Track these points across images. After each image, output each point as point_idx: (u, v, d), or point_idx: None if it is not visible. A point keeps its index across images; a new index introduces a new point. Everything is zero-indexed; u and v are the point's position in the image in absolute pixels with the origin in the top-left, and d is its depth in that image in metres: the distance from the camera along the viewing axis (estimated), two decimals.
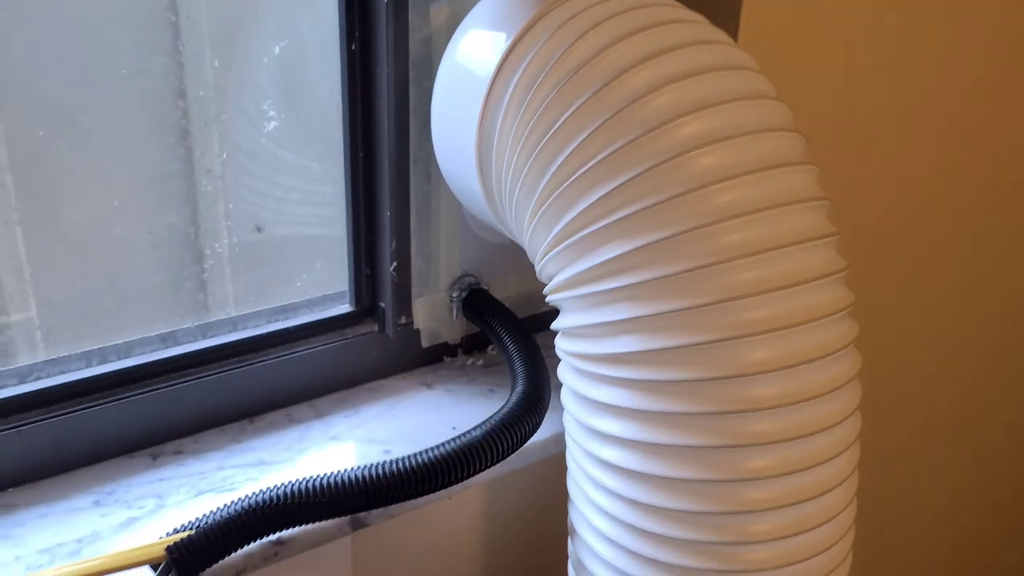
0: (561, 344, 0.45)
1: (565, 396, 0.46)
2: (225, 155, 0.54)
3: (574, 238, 0.41)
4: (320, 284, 0.59)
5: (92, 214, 0.50)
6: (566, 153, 0.40)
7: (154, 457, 0.51)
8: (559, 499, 0.52)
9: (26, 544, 0.44)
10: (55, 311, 0.50)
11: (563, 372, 0.45)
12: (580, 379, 0.43)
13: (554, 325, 0.45)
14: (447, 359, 0.61)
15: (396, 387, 0.58)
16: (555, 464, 0.53)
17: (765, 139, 0.41)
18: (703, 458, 0.40)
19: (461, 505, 0.54)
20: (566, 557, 0.50)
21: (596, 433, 0.43)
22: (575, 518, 0.47)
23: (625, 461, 0.42)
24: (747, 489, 0.40)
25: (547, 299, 0.45)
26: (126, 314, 0.53)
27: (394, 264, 0.55)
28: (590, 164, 0.40)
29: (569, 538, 0.49)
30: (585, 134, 0.40)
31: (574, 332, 0.43)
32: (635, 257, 0.40)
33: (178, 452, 0.51)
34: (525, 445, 0.51)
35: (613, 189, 0.40)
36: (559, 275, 0.43)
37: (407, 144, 0.53)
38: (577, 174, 0.40)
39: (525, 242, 0.45)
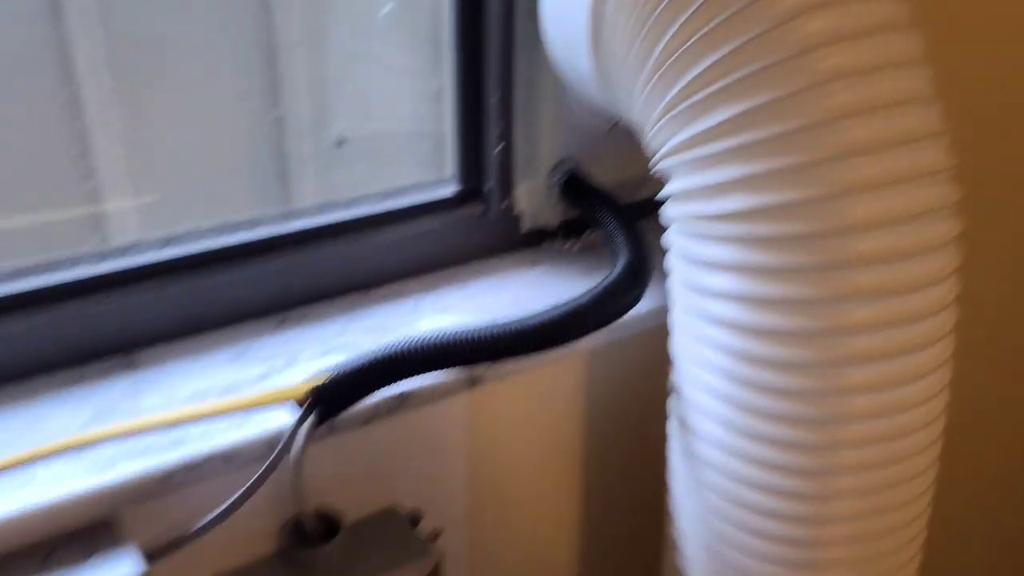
0: (670, 210, 0.47)
1: (674, 260, 0.48)
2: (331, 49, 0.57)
3: (688, 102, 0.43)
4: (425, 175, 0.62)
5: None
6: (683, 18, 0.42)
7: (280, 322, 0.55)
8: (656, 370, 0.55)
9: (176, 390, 0.48)
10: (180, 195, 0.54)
11: (672, 236, 0.48)
12: (690, 240, 0.46)
13: (664, 192, 0.47)
14: (546, 243, 0.64)
15: (499, 266, 0.61)
16: (653, 336, 0.56)
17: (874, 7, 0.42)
18: (808, 309, 0.43)
19: (565, 372, 0.57)
20: (660, 425, 0.53)
21: (706, 291, 0.45)
22: (681, 378, 0.50)
23: (734, 315, 0.44)
24: (848, 339, 0.43)
25: (657, 167, 0.47)
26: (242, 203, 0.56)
27: (499, 147, 0.58)
28: (706, 28, 0.42)
29: (671, 401, 0.52)
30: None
31: (685, 195, 0.45)
32: (747, 117, 0.42)
33: (302, 317, 0.55)
34: (626, 316, 0.54)
35: (728, 52, 0.41)
36: (671, 141, 0.45)
37: (512, 30, 0.55)
38: (693, 39, 0.42)
39: (634, 113, 0.48)
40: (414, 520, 0.52)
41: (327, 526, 0.49)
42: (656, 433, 0.56)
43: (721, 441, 0.47)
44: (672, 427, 0.52)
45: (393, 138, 0.63)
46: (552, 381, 0.57)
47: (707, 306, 0.46)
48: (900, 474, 0.48)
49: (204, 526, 0.43)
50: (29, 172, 0.50)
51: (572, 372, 0.58)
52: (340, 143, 0.99)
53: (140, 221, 0.54)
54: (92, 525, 0.43)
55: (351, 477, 0.51)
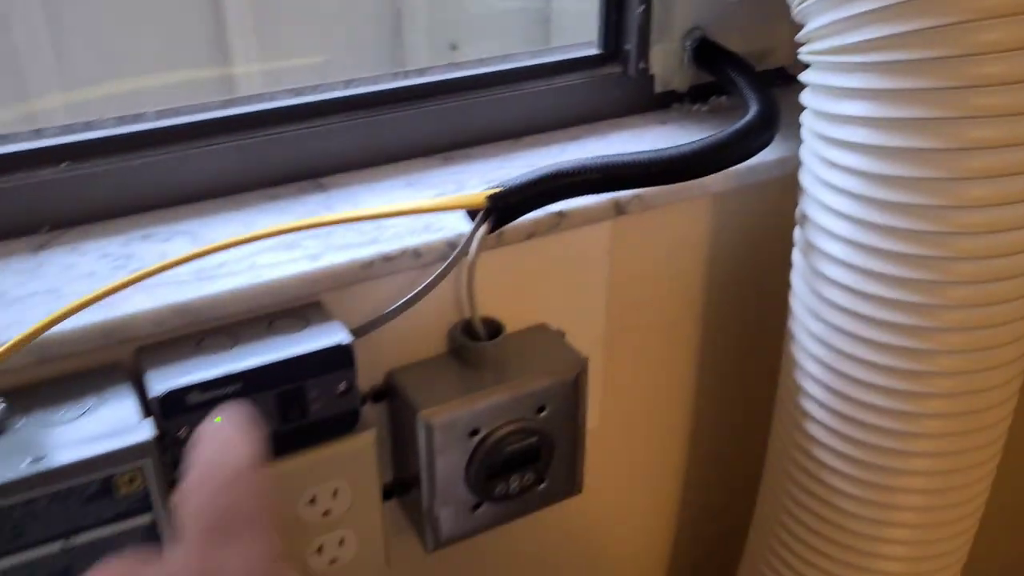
0: (808, 47, 0.52)
1: (807, 95, 0.53)
2: None
3: None
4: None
5: None
6: None
7: (445, 159, 0.62)
8: (776, 220, 0.61)
9: (362, 206, 0.56)
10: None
11: (808, 74, 0.53)
12: (824, 72, 0.51)
13: (802, 32, 0.52)
14: (675, 105, 0.69)
15: (634, 123, 0.67)
16: (777, 187, 0.62)
17: None
18: (934, 129, 0.47)
19: (696, 211, 0.63)
20: (777, 271, 0.59)
21: (837, 118, 0.51)
22: (808, 205, 0.55)
23: (863, 138, 0.49)
24: (969, 158, 0.48)
25: (798, 8, 0.52)
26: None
27: (640, 9, 0.63)
28: None
29: (796, 231, 0.57)
30: None
31: (823, 30, 0.50)
32: None
33: (464, 156, 0.62)
34: (755, 163, 0.59)
35: None
36: None
37: None
38: None
39: None
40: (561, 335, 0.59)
41: (491, 330, 0.56)
42: (772, 278, 0.61)
43: (844, 259, 0.53)
44: (796, 254, 0.58)
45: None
46: (685, 219, 0.63)
47: (837, 132, 0.51)
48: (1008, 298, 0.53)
49: (398, 307, 0.51)
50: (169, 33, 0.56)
51: (703, 212, 0.63)
52: (453, 47, 1.05)
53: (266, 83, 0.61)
54: (305, 304, 0.50)
55: (510, 291, 0.57)
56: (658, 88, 0.68)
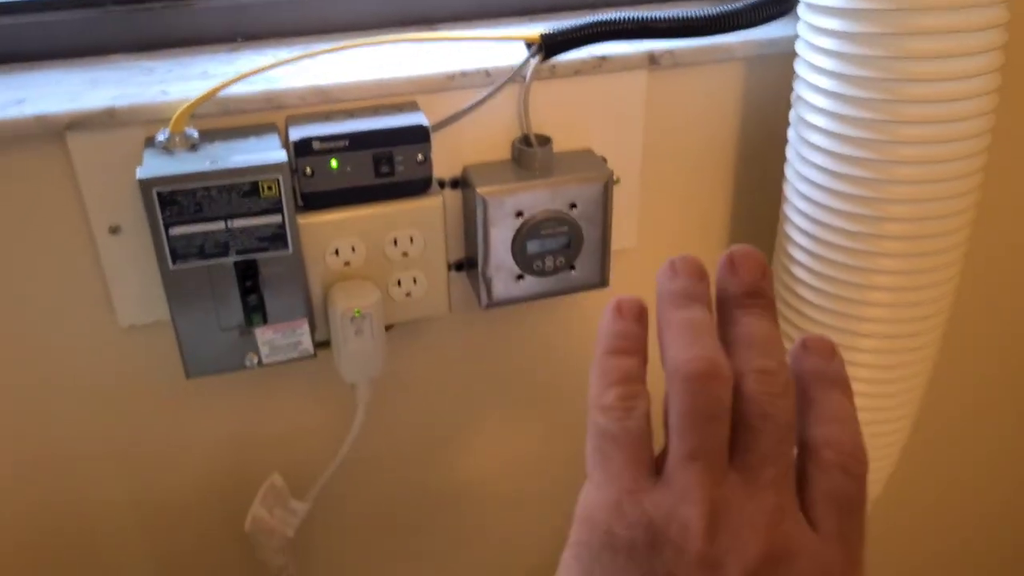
0: None
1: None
2: None
3: None
4: None
5: None
6: None
7: (531, 18, 0.80)
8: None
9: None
10: None
11: None
12: None
13: None
14: None
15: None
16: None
17: None
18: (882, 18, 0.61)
19: (727, 74, 0.78)
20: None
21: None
22: (798, 83, 0.69)
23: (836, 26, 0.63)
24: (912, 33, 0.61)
25: None
26: None
27: None
28: None
29: (790, 129, 0.71)
30: None
31: None
32: None
33: (550, 16, 0.80)
34: (778, 35, 0.73)
35: None
36: None
37: None
38: None
39: None
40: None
41: (542, 142, 0.74)
42: (773, 158, 0.75)
43: (823, 127, 0.67)
44: (791, 130, 0.72)
45: None
46: (715, 80, 0.78)
47: (819, 21, 0.65)
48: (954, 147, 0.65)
49: (469, 108, 0.70)
50: None
51: (732, 77, 0.78)
52: None
53: None
54: (404, 102, 0.70)
55: (562, 117, 0.75)
56: None
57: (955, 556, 1.27)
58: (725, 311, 0.33)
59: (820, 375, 0.32)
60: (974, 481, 1.20)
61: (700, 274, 0.33)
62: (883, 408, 0.78)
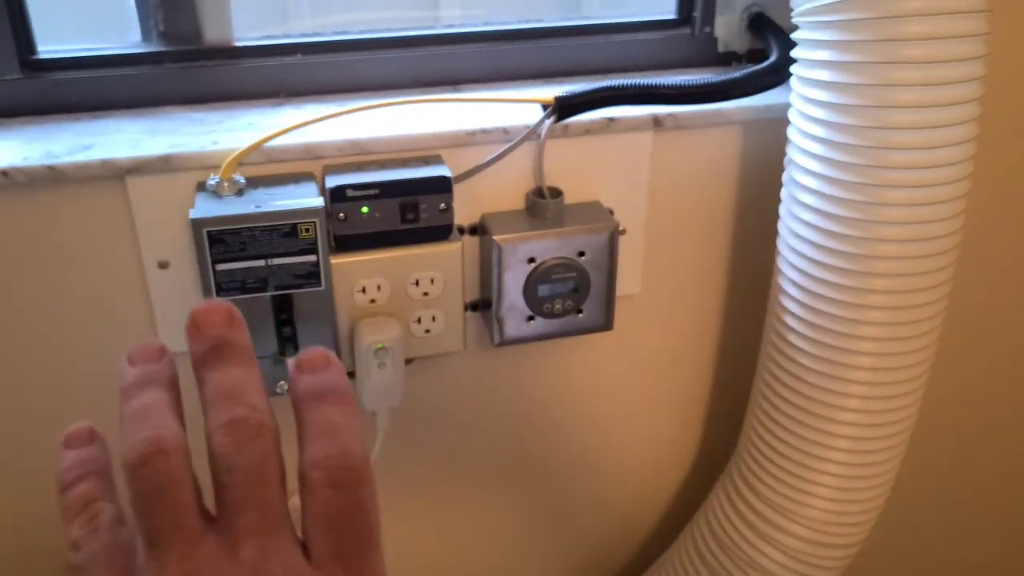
0: (795, 15, 0.73)
1: (796, 51, 0.74)
2: None
3: None
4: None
5: None
6: None
7: (547, 82, 0.87)
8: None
9: (480, 103, 0.82)
10: None
11: (797, 34, 0.74)
12: (804, 30, 0.72)
13: (792, 3, 0.73)
14: (734, 63, 0.91)
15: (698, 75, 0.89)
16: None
17: None
18: (862, 70, 0.67)
19: (727, 137, 0.85)
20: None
21: (807, 63, 0.72)
22: (790, 146, 0.76)
23: (823, 76, 0.70)
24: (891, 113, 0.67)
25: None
26: None
27: None
28: None
29: (783, 190, 0.78)
30: None
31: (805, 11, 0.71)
32: None
33: (560, 82, 0.87)
34: (773, 102, 0.80)
35: None
36: None
37: None
38: None
39: None
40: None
41: (554, 195, 0.81)
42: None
43: (813, 187, 0.74)
44: (783, 190, 0.78)
45: None
46: (715, 143, 0.85)
47: (810, 73, 0.72)
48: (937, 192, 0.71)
49: (487, 162, 0.77)
50: None
51: (731, 140, 0.85)
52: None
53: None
54: (429, 155, 0.77)
55: (572, 172, 0.82)
56: (720, 48, 0.90)
57: None
58: (197, 376, 0.31)
59: (310, 392, 0.32)
60: (960, 523, 1.24)
61: (156, 356, 0.32)
62: (871, 451, 0.83)
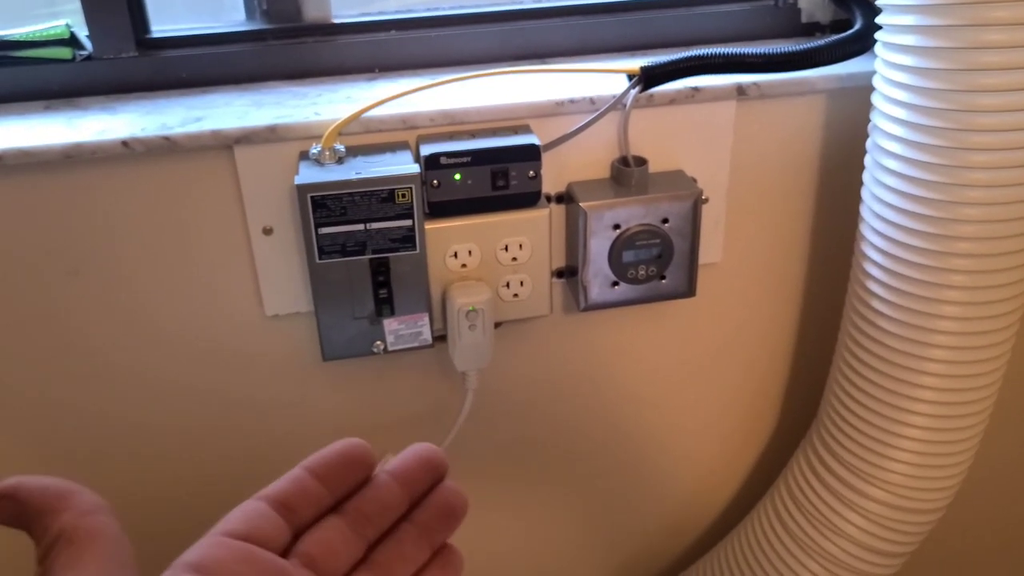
0: None
1: (881, 33, 0.75)
2: None
3: None
4: None
5: None
6: None
7: (632, 55, 0.89)
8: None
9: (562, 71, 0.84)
10: None
11: (881, 18, 0.74)
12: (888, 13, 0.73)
13: None
14: (818, 34, 0.92)
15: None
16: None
17: None
18: (945, 56, 0.68)
19: (811, 106, 0.86)
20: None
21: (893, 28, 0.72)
22: (874, 112, 0.77)
23: (910, 41, 0.71)
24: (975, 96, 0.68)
25: None
26: None
27: None
28: None
29: (867, 156, 0.79)
30: None
31: None
32: None
33: (644, 54, 0.89)
34: (858, 70, 0.81)
35: None
36: None
37: None
38: None
39: None
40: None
41: (639, 163, 0.83)
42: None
43: (897, 152, 0.74)
44: (867, 156, 0.79)
45: None
46: (799, 112, 0.86)
47: (894, 57, 0.72)
48: None
49: (574, 131, 0.79)
50: None
51: (815, 109, 0.86)
52: None
53: None
54: (518, 124, 0.80)
55: (657, 142, 0.84)
56: (804, 19, 0.90)
57: None
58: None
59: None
60: None
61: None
62: (952, 416, 0.83)
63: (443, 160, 0.76)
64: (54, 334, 0.81)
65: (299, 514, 0.34)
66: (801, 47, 0.78)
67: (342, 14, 0.86)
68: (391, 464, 0.36)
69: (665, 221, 0.82)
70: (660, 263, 0.83)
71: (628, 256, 0.82)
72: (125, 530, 0.31)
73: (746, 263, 0.93)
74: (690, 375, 0.99)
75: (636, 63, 0.79)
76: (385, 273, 0.77)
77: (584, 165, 0.83)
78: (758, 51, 0.78)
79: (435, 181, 0.76)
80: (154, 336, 0.83)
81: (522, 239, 0.81)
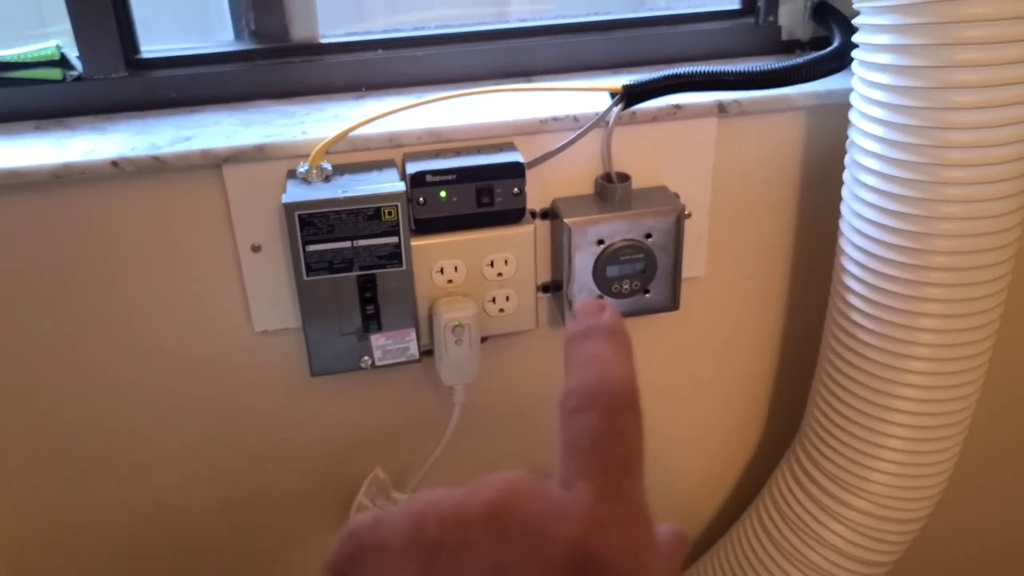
0: (856, 2, 0.75)
1: (858, 36, 0.77)
2: None
3: None
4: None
5: None
6: None
7: (616, 72, 0.90)
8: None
9: (547, 89, 0.86)
10: None
11: (858, 20, 0.76)
12: (865, 16, 0.74)
13: None
14: (797, 51, 0.93)
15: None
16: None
17: None
18: (921, 52, 0.70)
19: (790, 123, 0.87)
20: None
21: (868, 48, 0.74)
22: (851, 128, 0.78)
23: (886, 60, 0.72)
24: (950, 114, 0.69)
25: None
26: None
27: None
28: None
29: (845, 172, 0.80)
30: None
31: None
32: None
33: (629, 71, 0.90)
34: (836, 87, 0.82)
35: None
36: None
37: None
38: None
39: None
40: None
41: (622, 179, 0.84)
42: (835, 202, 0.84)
43: (874, 167, 0.76)
44: (846, 172, 0.81)
45: None
46: (779, 129, 0.87)
47: (870, 57, 0.74)
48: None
49: (558, 148, 0.81)
50: None
51: (794, 126, 0.87)
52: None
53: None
54: (503, 142, 0.81)
55: (640, 158, 0.85)
56: (784, 36, 0.92)
57: None
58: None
59: (579, 332, 0.31)
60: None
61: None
62: (932, 426, 0.85)
63: (429, 178, 0.77)
64: (46, 349, 0.82)
65: None
66: (780, 65, 0.80)
67: (329, 33, 0.87)
68: None
69: (648, 236, 0.83)
70: (644, 277, 0.85)
71: (612, 271, 0.84)
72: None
73: (729, 277, 0.94)
74: (676, 388, 1.00)
75: (619, 81, 0.80)
76: (372, 289, 0.78)
77: (568, 182, 0.85)
78: (738, 69, 0.80)
79: (421, 198, 0.78)
80: (145, 352, 0.84)
81: (507, 255, 0.82)
